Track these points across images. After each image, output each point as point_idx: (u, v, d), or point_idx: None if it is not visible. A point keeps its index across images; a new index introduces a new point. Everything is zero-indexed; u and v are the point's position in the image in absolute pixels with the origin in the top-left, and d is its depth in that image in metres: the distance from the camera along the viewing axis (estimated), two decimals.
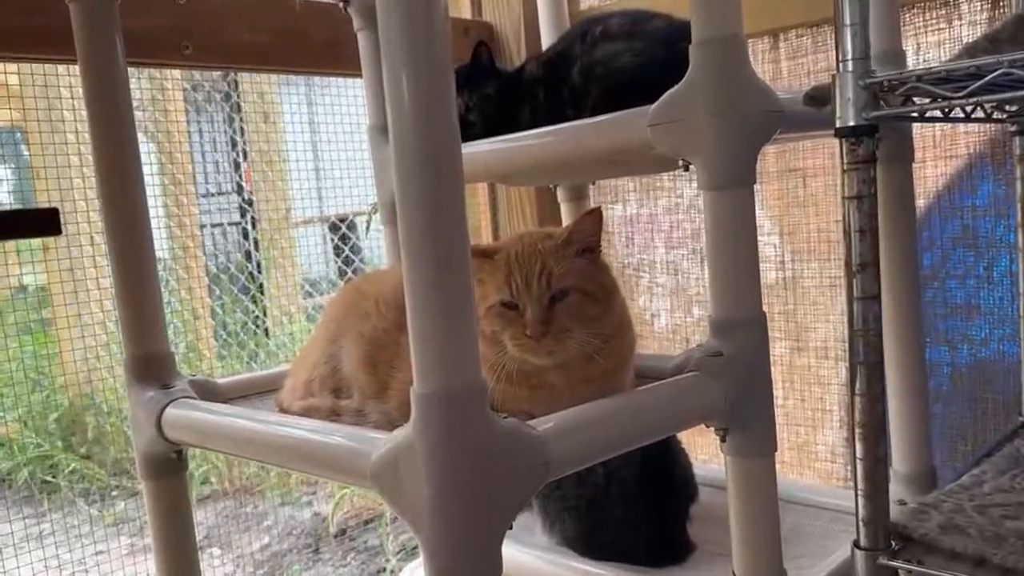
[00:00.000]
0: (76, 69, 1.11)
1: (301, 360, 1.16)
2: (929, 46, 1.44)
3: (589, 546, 1.34)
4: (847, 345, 0.92)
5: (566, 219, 1.66)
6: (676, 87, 0.98)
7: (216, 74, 3.11)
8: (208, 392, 1.15)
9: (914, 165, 1.26)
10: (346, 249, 3.17)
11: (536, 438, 0.75)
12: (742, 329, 0.98)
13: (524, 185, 1.79)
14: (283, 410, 1.10)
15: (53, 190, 2.27)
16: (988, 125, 1.38)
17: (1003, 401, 1.43)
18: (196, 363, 3.35)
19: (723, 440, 0.98)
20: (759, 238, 1.75)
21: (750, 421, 0.97)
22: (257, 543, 3.18)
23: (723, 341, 0.98)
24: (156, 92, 3.16)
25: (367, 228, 1.67)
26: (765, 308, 1.76)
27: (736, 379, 0.96)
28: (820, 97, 0.95)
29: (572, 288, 0.92)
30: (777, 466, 1.76)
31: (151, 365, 1.12)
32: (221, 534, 3.18)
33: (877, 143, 1.18)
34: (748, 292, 0.98)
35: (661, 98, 0.99)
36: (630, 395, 0.91)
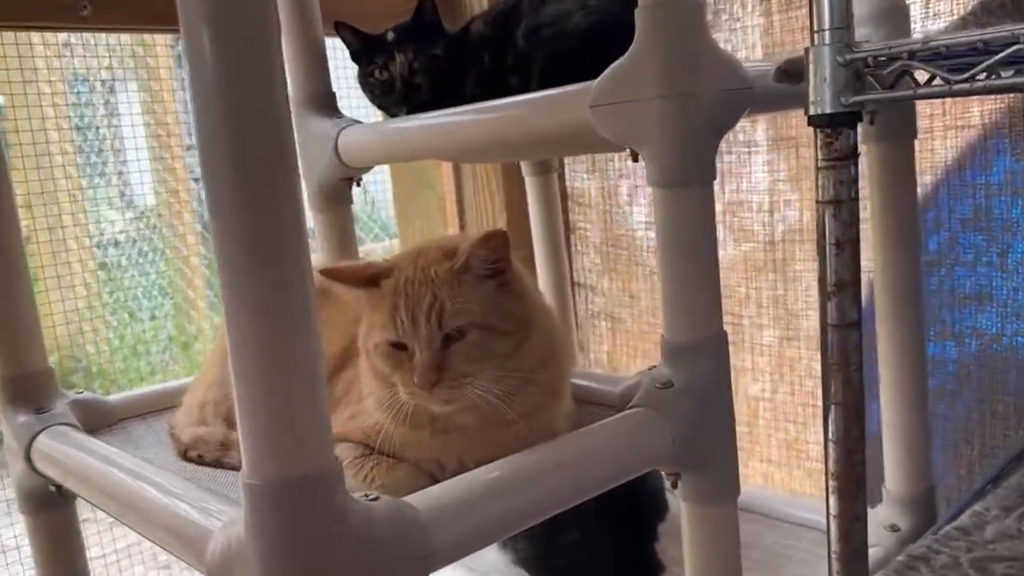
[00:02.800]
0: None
1: (200, 377, 1.01)
2: None
3: (543, 569, 1.20)
4: (820, 379, 0.76)
5: (531, 195, 1.49)
6: (620, 60, 0.81)
7: None
8: (94, 414, 1.01)
9: (918, 138, 1.08)
10: None
11: (415, 523, 0.60)
12: (697, 354, 0.82)
13: (471, 163, 1.61)
14: (174, 436, 0.95)
15: (26, 144, 2.14)
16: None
17: (1014, 403, 1.27)
18: (185, 324, 3.25)
19: (674, 486, 0.83)
20: (746, 215, 1.60)
21: (707, 463, 0.82)
22: None
23: (675, 369, 0.82)
24: (136, 44, 2.99)
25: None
26: (752, 290, 1.61)
27: (689, 414, 0.80)
28: (795, 72, 0.77)
29: (471, 325, 0.75)
30: (764, 465, 1.62)
31: (25, 386, 0.97)
32: None
33: (871, 118, 1.01)
34: (705, 309, 0.82)
35: (603, 74, 0.82)
36: (551, 448, 0.75)
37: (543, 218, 1.48)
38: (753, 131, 1.47)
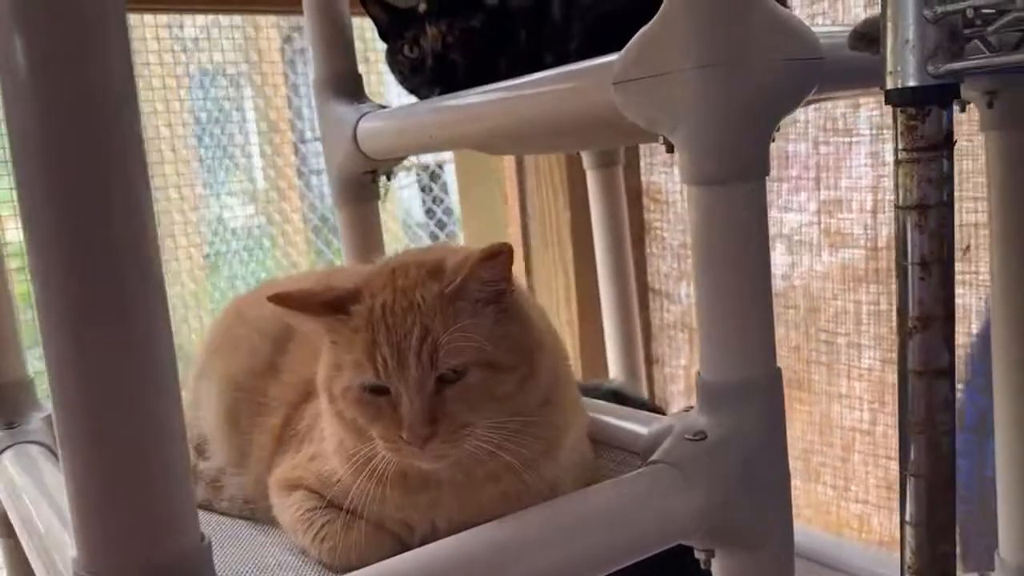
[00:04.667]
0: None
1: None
2: None
3: None
4: (897, 446, 0.58)
5: (593, 191, 1.33)
6: (649, 24, 0.64)
7: None
8: None
9: None
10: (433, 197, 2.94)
11: None
12: (741, 399, 0.64)
13: (498, 154, 1.45)
14: None
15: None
16: None
17: None
18: None
19: (706, 563, 0.66)
20: (845, 216, 1.37)
21: (750, 540, 0.64)
22: None
23: (711, 416, 0.64)
24: (249, 29, 2.98)
25: None
26: (851, 304, 1.39)
27: (725, 477, 0.63)
28: (875, 36, 0.58)
29: (470, 364, 0.60)
30: (859, 507, 1.41)
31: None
32: None
33: (989, 100, 0.81)
34: (754, 341, 0.64)
35: (630, 42, 0.65)
36: (543, 512, 0.59)
37: (606, 217, 1.32)
38: (855, 118, 1.26)
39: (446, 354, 0.59)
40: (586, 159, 1.31)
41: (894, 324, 1.26)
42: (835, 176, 1.30)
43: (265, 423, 0.74)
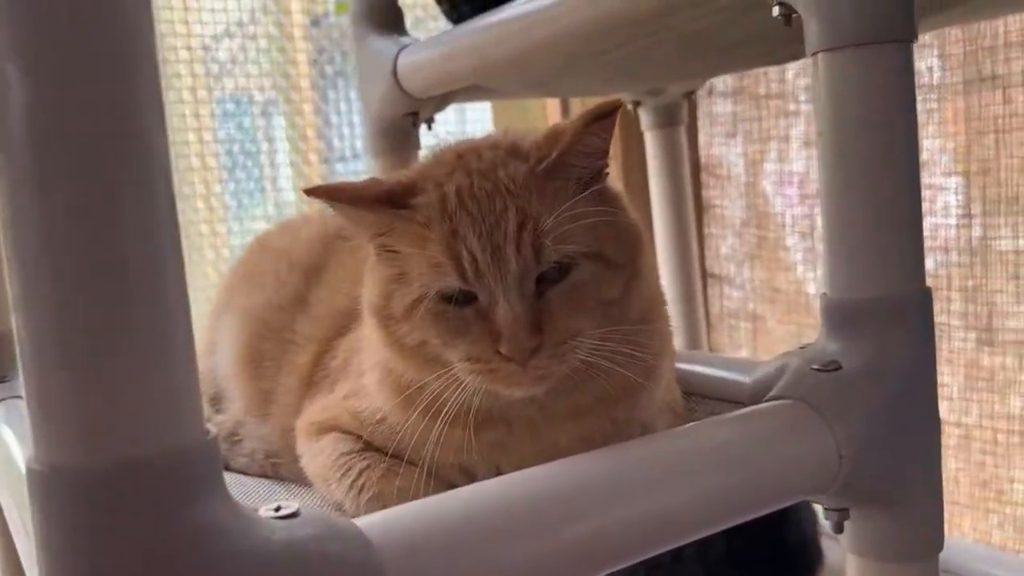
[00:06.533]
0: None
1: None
2: None
3: None
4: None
5: (652, 156, 1.21)
6: None
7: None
8: None
9: None
10: None
11: (357, 567, 0.33)
12: (883, 320, 0.51)
13: (554, 94, 1.32)
14: None
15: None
16: None
17: None
18: None
19: (838, 528, 0.53)
20: (929, 179, 1.24)
21: (893, 496, 0.51)
22: None
23: (845, 342, 0.52)
24: (277, 50, 2.92)
25: None
26: (937, 282, 1.26)
27: (867, 415, 0.50)
28: None
29: (580, 255, 0.49)
30: (947, 508, 1.26)
31: None
32: None
33: None
34: (900, 251, 0.52)
35: None
36: (630, 450, 0.47)
37: (666, 185, 1.21)
38: (944, 70, 1.14)
39: (554, 241, 0.47)
40: (644, 118, 1.19)
41: (990, 302, 1.13)
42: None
43: (292, 362, 0.63)
